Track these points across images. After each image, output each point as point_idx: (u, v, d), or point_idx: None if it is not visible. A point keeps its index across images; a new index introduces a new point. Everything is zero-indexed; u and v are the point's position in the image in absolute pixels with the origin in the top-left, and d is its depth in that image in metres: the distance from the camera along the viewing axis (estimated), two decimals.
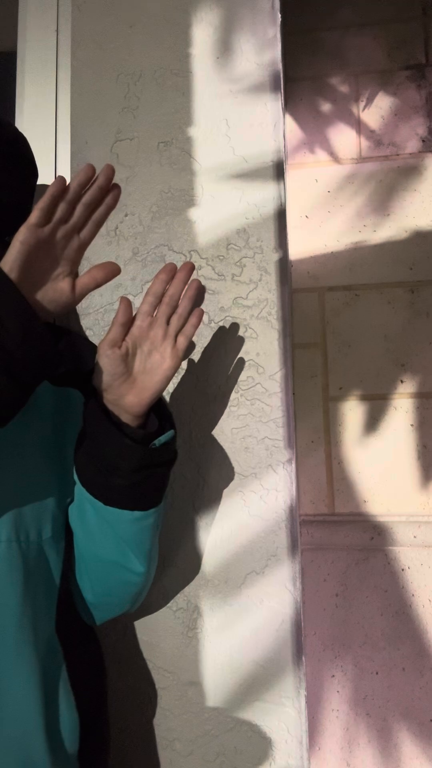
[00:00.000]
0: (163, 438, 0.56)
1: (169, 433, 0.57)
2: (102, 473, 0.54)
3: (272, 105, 0.84)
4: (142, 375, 0.57)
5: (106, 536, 0.57)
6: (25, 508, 0.54)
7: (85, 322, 0.83)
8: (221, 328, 0.81)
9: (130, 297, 0.84)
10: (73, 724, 0.55)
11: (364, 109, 1.50)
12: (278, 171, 0.83)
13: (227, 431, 0.79)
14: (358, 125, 1.50)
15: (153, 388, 0.56)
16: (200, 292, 0.79)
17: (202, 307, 0.82)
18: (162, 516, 0.60)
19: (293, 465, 0.78)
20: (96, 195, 0.50)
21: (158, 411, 0.60)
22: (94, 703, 0.61)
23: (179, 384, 0.81)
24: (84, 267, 0.85)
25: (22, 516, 0.54)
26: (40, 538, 0.55)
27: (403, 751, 1.27)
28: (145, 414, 0.57)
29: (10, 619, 0.51)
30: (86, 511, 0.57)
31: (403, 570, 1.32)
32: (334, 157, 1.50)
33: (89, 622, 0.63)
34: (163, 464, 0.56)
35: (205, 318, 0.82)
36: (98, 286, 0.53)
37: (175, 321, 0.58)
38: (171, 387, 0.82)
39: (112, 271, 0.53)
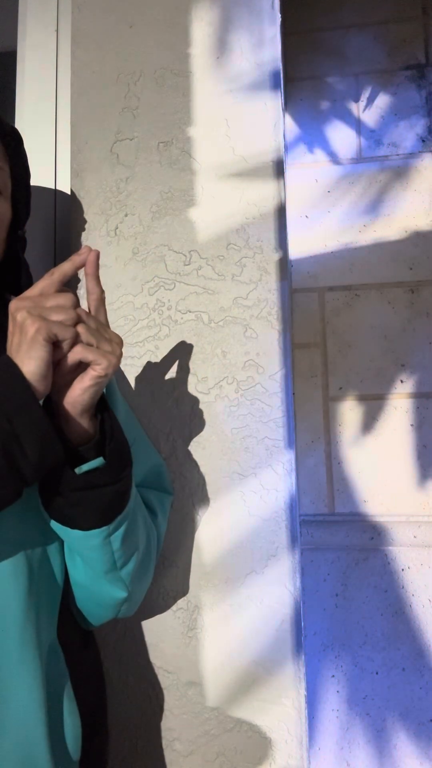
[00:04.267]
0: (85, 467, 0.51)
1: (96, 461, 0.52)
2: (41, 485, 0.53)
3: (272, 105, 0.84)
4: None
5: (68, 550, 0.57)
6: (29, 512, 0.54)
7: None
8: (221, 328, 0.81)
9: (130, 297, 0.84)
10: (76, 731, 0.54)
11: (364, 109, 1.50)
12: (278, 170, 0.83)
13: (227, 431, 0.79)
14: (358, 125, 1.50)
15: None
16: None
17: (203, 306, 0.82)
18: (125, 536, 0.56)
19: (293, 465, 0.78)
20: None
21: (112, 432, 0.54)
22: (95, 709, 0.60)
23: (179, 384, 0.81)
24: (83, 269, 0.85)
25: (26, 520, 0.53)
26: (44, 543, 0.55)
27: (403, 751, 1.27)
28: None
29: (13, 624, 0.51)
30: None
31: (403, 570, 1.32)
32: (334, 157, 1.50)
33: (85, 625, 0.62)
34: (93, 488, 0.51)
35: (205, 318, 0.82)
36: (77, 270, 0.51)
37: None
38: (172, 387, 0.82)
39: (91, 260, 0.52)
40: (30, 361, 0.46)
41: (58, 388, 0.50)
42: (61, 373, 0.50)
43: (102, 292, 0.53)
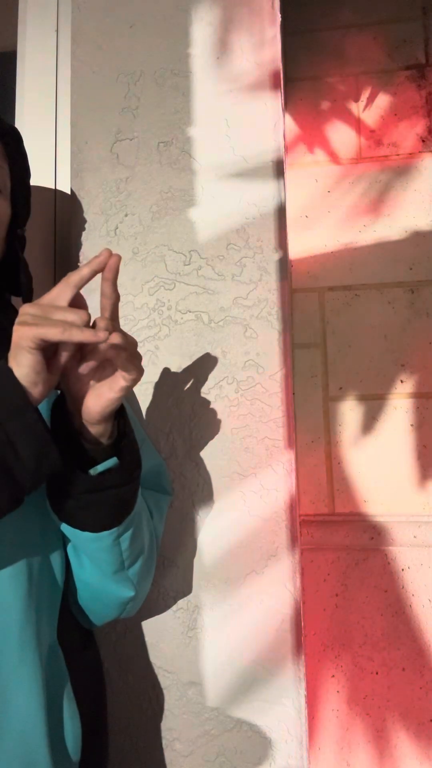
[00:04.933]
0: (100, 467, 0.51)
1: (110, 461, 0.52)
2: (50, 487, 0.53)
3: (272, 105, 0.84)
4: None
5: (74, 551, 0.57)
6: (29, 512, 0.53)
7: None
8: (221, 328, 0.81)
9: (130, 297, 0.84)
10: (76, 732, 0.54)
11: (364, 109, 1.50)
12: (278, 170, 0.83)
13: (227, 431, 0.79)
14: (358, 125, 1.50)
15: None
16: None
17: (203, 306, 0.82)
18: (133, 537, 0.56)
19: (293, 465, 0.78)
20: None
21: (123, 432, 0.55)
22: (95, 709, 0.60)
23: (179, 384, 0.81)
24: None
25: (26, 520, 0.53)
26: (44, 544, 0.55)
27: (403, 751, 1.27)
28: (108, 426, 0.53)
29: (13, 624, 0.50)
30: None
31: (403, 570, 1.32)
32: (334, 157, 1.50)
33: (87, 625, 0.62)
34: (106, 489, 0.52)
35: (205, 318, 0.82)
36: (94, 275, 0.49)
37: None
38: (172, 387, 0.82)
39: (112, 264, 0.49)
40: (17, 368, 0.46)
41: (75, 394, 0.50)
42: (80, 380, 0.50)
43: (118, 296, 0.50)
